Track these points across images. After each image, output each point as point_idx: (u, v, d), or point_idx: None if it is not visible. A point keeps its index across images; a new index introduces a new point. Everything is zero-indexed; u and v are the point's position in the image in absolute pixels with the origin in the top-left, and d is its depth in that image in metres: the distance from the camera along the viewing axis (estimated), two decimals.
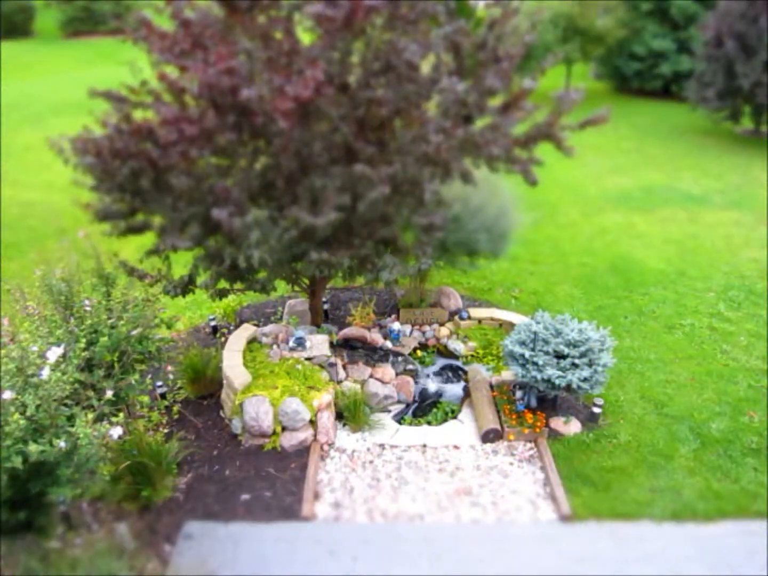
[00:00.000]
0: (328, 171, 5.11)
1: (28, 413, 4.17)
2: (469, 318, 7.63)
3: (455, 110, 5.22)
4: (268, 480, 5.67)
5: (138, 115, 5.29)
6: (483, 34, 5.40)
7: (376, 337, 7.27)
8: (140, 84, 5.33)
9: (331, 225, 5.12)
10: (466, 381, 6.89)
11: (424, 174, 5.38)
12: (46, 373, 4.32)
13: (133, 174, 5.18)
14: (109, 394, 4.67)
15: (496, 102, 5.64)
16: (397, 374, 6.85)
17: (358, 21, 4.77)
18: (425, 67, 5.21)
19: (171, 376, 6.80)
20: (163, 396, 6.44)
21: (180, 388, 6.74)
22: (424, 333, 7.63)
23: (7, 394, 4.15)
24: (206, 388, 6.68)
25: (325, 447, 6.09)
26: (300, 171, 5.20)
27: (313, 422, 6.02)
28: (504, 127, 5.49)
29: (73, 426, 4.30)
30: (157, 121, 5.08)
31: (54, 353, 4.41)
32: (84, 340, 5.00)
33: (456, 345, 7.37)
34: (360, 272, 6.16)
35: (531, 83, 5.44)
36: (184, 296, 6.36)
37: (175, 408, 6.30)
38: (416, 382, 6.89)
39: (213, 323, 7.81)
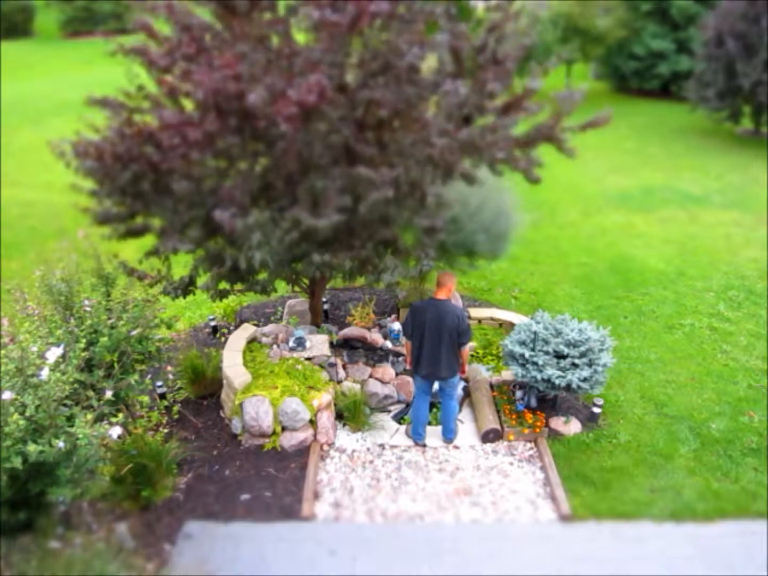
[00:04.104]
0: (329, 172, 5.11)
1: (27, 413, 4.17)
2: (469, 318, 7.63)
3: (458, 113, 5.22)
4: (268, 480, 5.67)
5: (137, 118, 5.29)
6: (483, 38, 5.40)
7: (376, 337, 7.26)
8: (137, 89, 5.33)
9: (332, 226, 5.12)
10: (466, 381, 6.89)
11: (426, 176, 5.38)
12: (45, 373, 4.32)
13: (134, 177, 5.18)
14: (109, 394, 4.67)
15: (497, 102, 5.63)
16: (397, 374, 6.85)
17: (363, 25, 4.75)
18: (424, 67, 5.20)
19: (171, 376, 6.80)
20: (163, 396, 6.44)
21: (180, 388, 6.74)
22: None
23: (7, 395, 4.15)
24: (206, 388, 6.68)
25: (325, 447, 6.09)
26: (301, 172, 5.20)
27: (312, 422, 6.02)
28: (504, 128, 5.48)
29: (72, 426, 4.30)
30: (158, 126, 5.07)
31: (53, 354, 4.41)
32: (84, 340, 5.00)
33: None
34: (361, 274, 6.16)
35: (535, 83, 5.43)
36: (184, 297, 6.36)
37: (175, 408, 6.29)
38: None
39: (213, 323, 7.81)
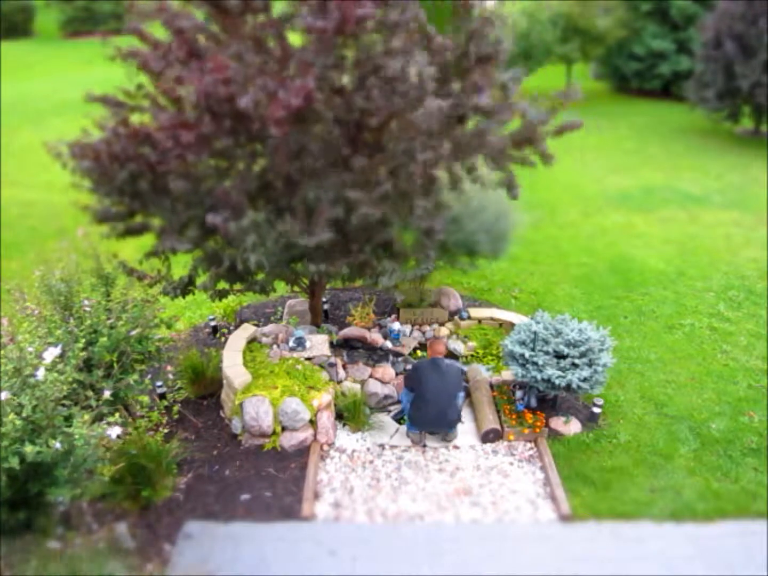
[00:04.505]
0: (322, 181, 5.12)
1: (24, 414, 4.17)
2: (469, 318, 7.62)
3: (440, 127, 5.22)
4: (268, 480, 5.67)
5: (136, 118, 5.29)
6: (465, 43, 5.43)
7: (376, 337, 7.26)
8: (136, 87, 5.32)
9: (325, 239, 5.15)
10: (466, 381, 6.89)
11: (415, 188, 5.40)
12: (41, 373, 4.31)
13: (131, 177, 5.18)
14: (107, 394, 4.66)
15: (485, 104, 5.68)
16: (397, 374, 6.85)
17: (349, 29, 4.75)
18: (412, 72, 5.21)
19: (171, 376, 6.80)
20: (162, 396, 6.43)
21: (180, 388, 6.73)
22: (424, 333, 7.63)
23: (5, 395, 4.14)
24: (206, 388, 6.67)
25: (325, 447, 6.09)
26: (296, 173, 5.20)
27: (312, 422, 6.02)
28: (489, 132, 5.53)
29: (70, 426, 4.29)
30: (155, 126, 5.07)
31: (50, 354, 4.39)
32: (83, 340, 5.00)
33: (456, 345, 7.36)
34: (359, 277, 6.17)
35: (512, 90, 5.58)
36: (183, 297, 6.36)
37: (175, 408, 6.28)
38: None
39: (213, 323, 7.81)
